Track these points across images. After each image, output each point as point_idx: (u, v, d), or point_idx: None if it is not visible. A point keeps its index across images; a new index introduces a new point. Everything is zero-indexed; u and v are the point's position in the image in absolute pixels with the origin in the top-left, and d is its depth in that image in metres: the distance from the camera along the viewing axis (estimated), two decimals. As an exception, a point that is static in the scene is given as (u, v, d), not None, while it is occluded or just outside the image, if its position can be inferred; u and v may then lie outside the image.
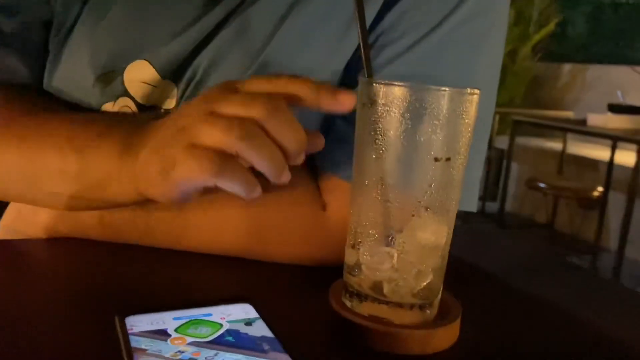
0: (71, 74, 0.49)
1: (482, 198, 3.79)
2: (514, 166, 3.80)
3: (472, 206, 0.50)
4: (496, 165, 3.66)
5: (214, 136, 0.32)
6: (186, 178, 0.33)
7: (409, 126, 0.33)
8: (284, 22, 0.47)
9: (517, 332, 0.40)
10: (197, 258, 0.45)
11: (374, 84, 0.34)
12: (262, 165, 0.33)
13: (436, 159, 0.34)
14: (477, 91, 0.35)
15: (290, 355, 0.30)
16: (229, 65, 0.47)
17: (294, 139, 0.33)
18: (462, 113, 0.34)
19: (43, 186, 0.43)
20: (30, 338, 0.32)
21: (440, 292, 0.37)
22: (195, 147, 0.32)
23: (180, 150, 0.33)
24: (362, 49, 0.36)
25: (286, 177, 0.34)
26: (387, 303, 0.35)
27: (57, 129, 0.43)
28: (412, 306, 0.35)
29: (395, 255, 0.35)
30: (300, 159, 0.35)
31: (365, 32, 0.36)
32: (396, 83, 0.33)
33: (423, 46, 0.46)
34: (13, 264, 0.45)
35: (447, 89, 0.33)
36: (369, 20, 0.47)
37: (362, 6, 0.36)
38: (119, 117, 0.49)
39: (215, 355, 0.29)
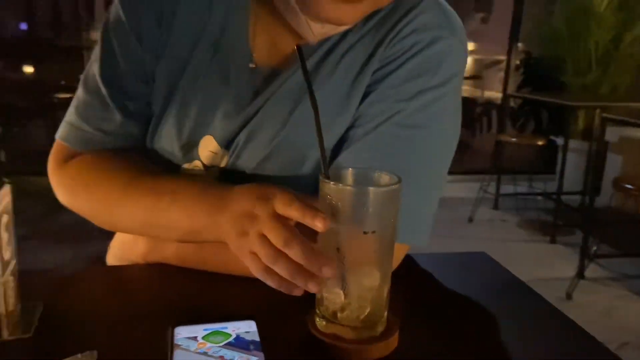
0: (163, 144, 0.72)
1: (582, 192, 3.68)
2: (617, 159, 3.63)
3: (421, 241, 0.65)
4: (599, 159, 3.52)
5: (261, 254, 0.52)
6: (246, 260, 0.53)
7: (348, 211, 0.51)
8: (298, 106, 0.66)
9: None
10: (226, 284, 0.65)
11: (325, 183, 0.51)
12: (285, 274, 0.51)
13: (365, 232, 0.51)
14: (397, 185, 0.51)
15: (265, 354, 0.49)
16: (259, 140, 0.67)
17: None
18: (385, 201, 0.51)
19: (159, 232, 0.66)
20: (123, 333, 0.55)
21: (383, 316, 0.54)
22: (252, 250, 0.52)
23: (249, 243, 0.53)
24: (320, 153, 0.54)
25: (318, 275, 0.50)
26: (342, 325, 0.53)
27: (166, 186, 0.64)
28: (357, 328, 0.53)
29: (342, 294, 0.52)
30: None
31: (322, 139, 0.54)
32: (338, 184, 0.51)
33: (383, 129, 0.63)
34: (117, 283, 0.69)
35: (371, 187, 0.50)
36: (353, 111, 0.65)
37: (318, 119, 0.54)
38: (203, 178, 0.70)
39: (219, 350, 0.49)
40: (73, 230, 2.48)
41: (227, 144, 0.70)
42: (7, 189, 0.55)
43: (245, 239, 0.53)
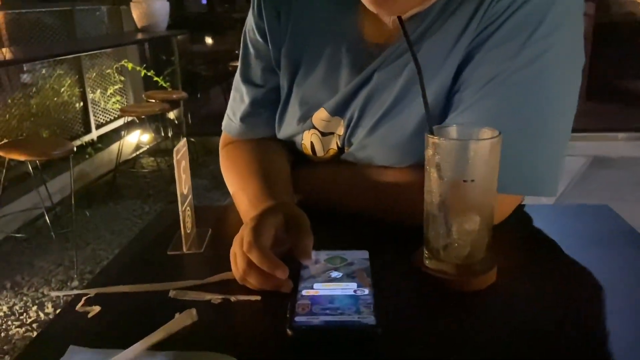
0: (288, 123, 0.85)
1: None
2: None
3: (544, 191, 0.68)
4: None
5: (237, 270, 0.61)
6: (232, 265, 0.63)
7: (450, 162, 0.57)
8: (403, 73, 0.73)
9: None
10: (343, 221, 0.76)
11: (430, 139, 0.58)
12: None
13: (465, 181, 0.57)
14: (495, 138, 0.56)
15: (372, 280, 0.59)
16: (375, 105, 0.76)
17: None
18: (483, 153, 0.56)
19: (236, 198, 0.81)
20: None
21: (483, 256, 0.60)
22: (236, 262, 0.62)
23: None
24: (425, 111, 0.60)
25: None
26: (445, 261, 0.61)
27: (253, 179, 0.78)
28: (458, 265, 0.60)
29: (447, 235, 0.60)
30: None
31: (426, 100, 0.60)
32: (441, 138, 0.57)
33: (490, 90, 0.66)
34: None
35: (471, 140, 0.56)
36: (449, 74, 0.70)
37: (422, 82, 0.60)
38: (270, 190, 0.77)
39: (335, 271, 0.60)
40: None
41: (339, 112, 0.79)
42: (184, 141, 0.72)
43: (235, 244, 0.63)
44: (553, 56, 0.65)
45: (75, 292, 0.61)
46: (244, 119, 0.89)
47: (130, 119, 4.11)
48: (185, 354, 0.50)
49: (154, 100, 4.07)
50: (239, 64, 0.90)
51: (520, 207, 0.76)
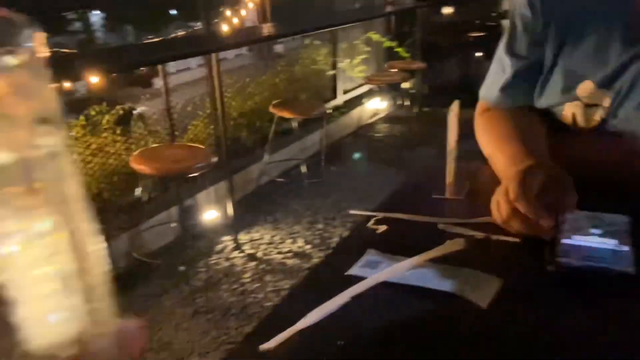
0: (549, 93, 0.90)
1: None
2: None
3: None
4: None
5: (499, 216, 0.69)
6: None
7: None
8: None
9: None
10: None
11: None
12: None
13: None
14: None
15: (632, 240, 0.63)
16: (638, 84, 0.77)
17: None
18: None
19: (492, 158, 0.88)
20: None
21: None
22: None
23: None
24: None
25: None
26: None
27: (513, 141, 0.85)
28: None
29: None
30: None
31: None
32: None
33: None
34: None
35: None
36: None
37: None
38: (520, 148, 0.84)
39: (589, 227, 0.66)
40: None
41: (608, 86, 0.81)
42: (456, 102, 0.85)
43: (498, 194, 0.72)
44: None
45: (368, 213, 0.79)
46: (504, 88, 0.96)
47: (371, 87, 4.45)
48: (457, 269, 0.63)
49: (394, 70, 4.32)
50: (504, 37, 0.97)
51: None
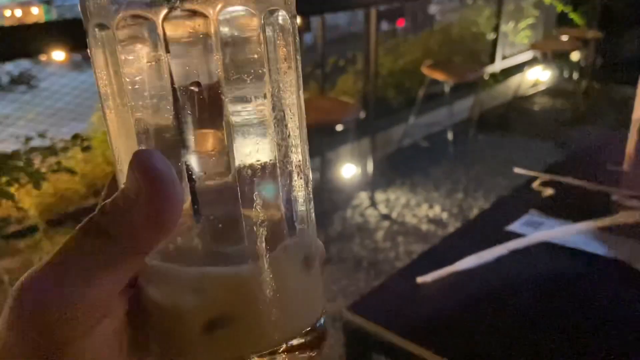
0: None
1: None
2: None
3: None
4: None
5: None
6: None
7: None
8: None
9: None
10: None
11: None
12: None
13: None
14: None
15: None
16: None
17: None
18: None
19: None
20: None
21: None
22: None
23: None
24: None
25: None
26: None
27: None
28: None
29: None
30: None
31: None
32: None
33: None
34: None
35: None
36: None
37: None
38: None
39: None
40: None
41: None
42: None
43: None
44: None
45: (536, 174, 0.74)
46: None
47: (534, 55, 4.08)
48: (625, 239, 0.57)
49: (565, 38, 3.90)
50: None
51: None
